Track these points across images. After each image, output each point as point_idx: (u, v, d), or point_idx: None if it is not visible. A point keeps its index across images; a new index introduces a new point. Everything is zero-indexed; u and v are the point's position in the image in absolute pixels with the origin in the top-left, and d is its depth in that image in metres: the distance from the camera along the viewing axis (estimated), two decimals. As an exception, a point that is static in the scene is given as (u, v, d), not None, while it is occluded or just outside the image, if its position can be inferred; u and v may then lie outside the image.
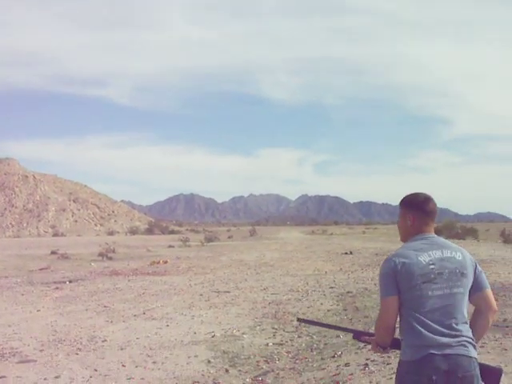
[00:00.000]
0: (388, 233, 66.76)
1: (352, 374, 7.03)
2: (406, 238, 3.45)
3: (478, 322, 3.34)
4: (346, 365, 7.60)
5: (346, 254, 31.61)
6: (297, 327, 10.71)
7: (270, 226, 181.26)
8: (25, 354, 8.77)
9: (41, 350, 9.03)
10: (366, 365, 7.39)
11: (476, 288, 3.32)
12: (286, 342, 9.56)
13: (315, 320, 3.99)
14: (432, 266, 3.19)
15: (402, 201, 3.50)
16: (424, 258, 3.22)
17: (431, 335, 3.11)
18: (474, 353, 3.15)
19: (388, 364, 7.27)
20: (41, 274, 22.60)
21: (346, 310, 12.42)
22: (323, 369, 7.64)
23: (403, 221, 3.48)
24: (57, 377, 7.50)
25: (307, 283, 17.72)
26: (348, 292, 15.20)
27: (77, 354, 8.83)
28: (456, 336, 3.13)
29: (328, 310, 12.44)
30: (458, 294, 3.22)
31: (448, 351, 3.08)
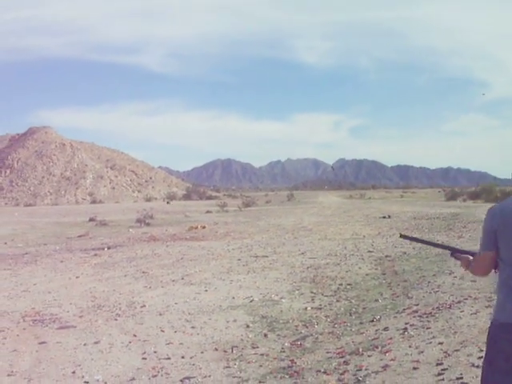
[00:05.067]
0: (426, 197, 66.00)
1: (391, 339, 6.95)
2: None
3: None
4: (385, 329, 7.52)
5: (384, 217, 31.36)
6: (335, 291, 10.64)
7: (307, 190, 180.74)
8: (64, 320, 8.88)
9: (80, 316, 9.13)
10: (405, 329, 7.31)
11: None
12: (325, 306, 9.50)
13: (416, 237, 4.06)
14: None
15: None
16: None
17: None
18: None
19: (428, 328, 7.18)
20: (79, 241, 22.92)
21: (384, 274, 12.29)
22: (362, 333, 7.57)
23: None
24: (96, 342, 7.57)
25: (345, 247, 17.61)
26: (386, 256, 15.06)
27: (116, 319, 8.91)
28: None
29: (366, 274, 12.33)
30: None
31: None
